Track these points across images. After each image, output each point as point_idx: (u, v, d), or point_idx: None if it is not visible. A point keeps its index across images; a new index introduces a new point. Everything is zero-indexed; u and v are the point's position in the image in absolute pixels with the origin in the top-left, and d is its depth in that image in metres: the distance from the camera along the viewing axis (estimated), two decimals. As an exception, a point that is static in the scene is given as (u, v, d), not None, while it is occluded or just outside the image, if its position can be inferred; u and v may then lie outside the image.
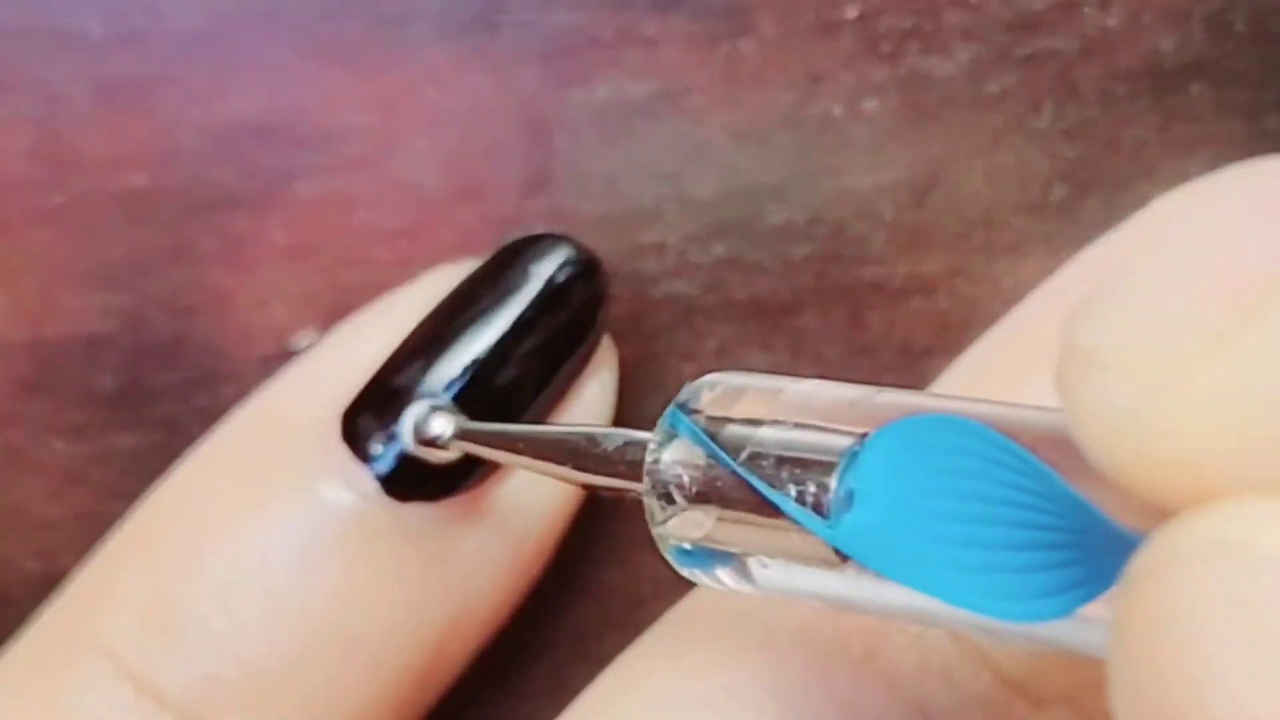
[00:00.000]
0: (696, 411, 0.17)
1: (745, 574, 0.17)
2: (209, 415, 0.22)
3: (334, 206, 0.22)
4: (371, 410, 0.21)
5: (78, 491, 0.23)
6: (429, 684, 0.21)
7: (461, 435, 0.21)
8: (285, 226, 0.22)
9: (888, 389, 0.17)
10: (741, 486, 0.16)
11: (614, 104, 0.22)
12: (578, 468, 0.19)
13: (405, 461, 0.21)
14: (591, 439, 0.18)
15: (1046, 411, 0.15)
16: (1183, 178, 0.22)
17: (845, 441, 0.16)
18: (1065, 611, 0.15)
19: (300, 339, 0.22)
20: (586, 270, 0.21)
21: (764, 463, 0.16)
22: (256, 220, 0.22)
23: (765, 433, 0.17)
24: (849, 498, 0.16)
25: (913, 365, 0.22)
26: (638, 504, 0.22)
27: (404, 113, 0.22)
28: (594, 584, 0.22)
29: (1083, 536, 0.15)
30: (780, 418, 0.17)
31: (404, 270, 0.22)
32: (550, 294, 0.21)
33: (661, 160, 0.22)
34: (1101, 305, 0.13)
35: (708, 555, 0.17)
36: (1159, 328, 0.13)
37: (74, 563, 0.22)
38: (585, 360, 0.22)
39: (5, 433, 0.22)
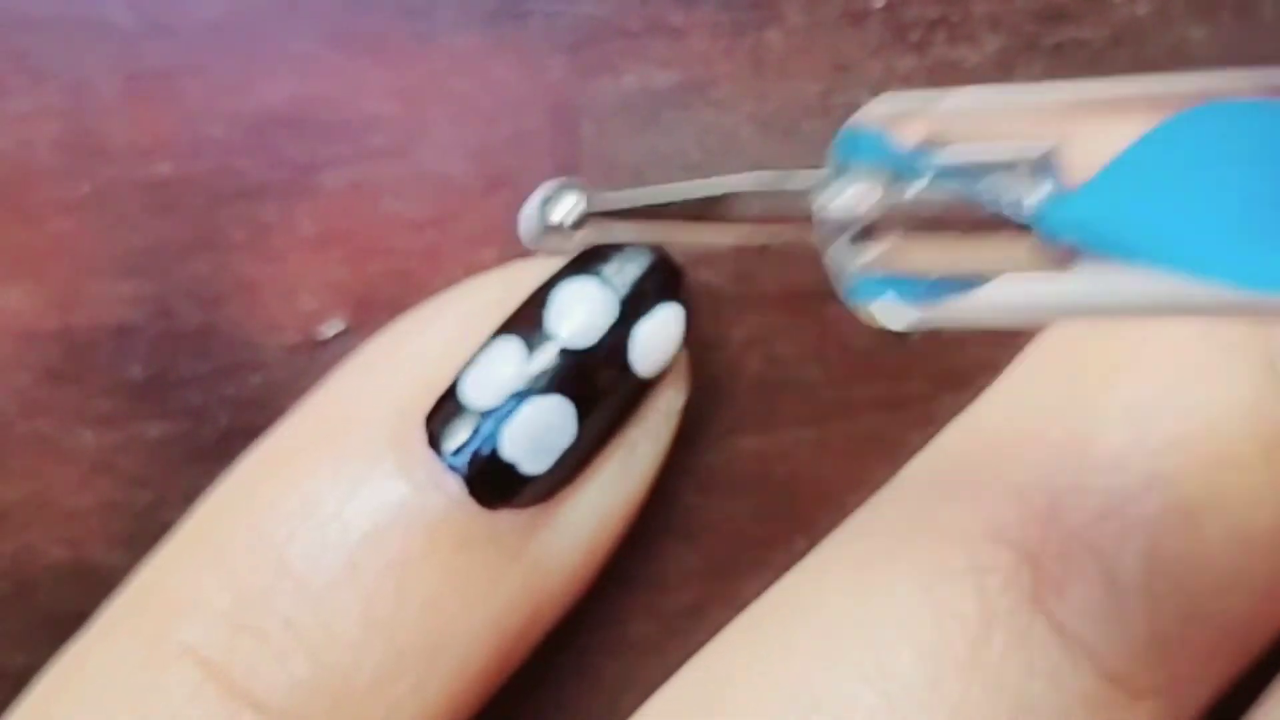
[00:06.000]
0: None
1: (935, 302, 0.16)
2: (236, 404, 0.22)
3: (361, 196, 0.22)
4: (456, 414, 0.20)
5: (105, 480, 0.23)
6: (495, 683, 0.21)
7: (593, 213, 0.19)
8: (312, 216, 0.22)
9: (1053, 84, 0.16)
10: (941, 197, 0.15)
11: (641, 94, 0.22)
12: (739, 220, 0.17)
13: (492, 467, 0.20)
14: (753, 189, 0.17)
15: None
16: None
17: (1039, 147, 0.15)
18: None
19: (327, 328, 0.22)
20: (670, 279, 0.21)
21: (957, 175, 0.15)
22: (284, 210, 0.22)
23: (947, 152, 0.15)
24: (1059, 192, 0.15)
25: (943, 351, 0.22)
26: (647, 497, 0.22)
27: (431, 102, 0.22)
28: (619, 571, 0.22)
29: None
30: (951, 136, 0.15)
31: (431, 260, 0.22)
32: (635, 302, 0.21)
33: (688, 150, 0.22)
34: None
35: (892, 287, 0.16)
36: None
37: (102, 552, 0.22)
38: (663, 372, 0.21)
39: (34, 421, 0.23)
